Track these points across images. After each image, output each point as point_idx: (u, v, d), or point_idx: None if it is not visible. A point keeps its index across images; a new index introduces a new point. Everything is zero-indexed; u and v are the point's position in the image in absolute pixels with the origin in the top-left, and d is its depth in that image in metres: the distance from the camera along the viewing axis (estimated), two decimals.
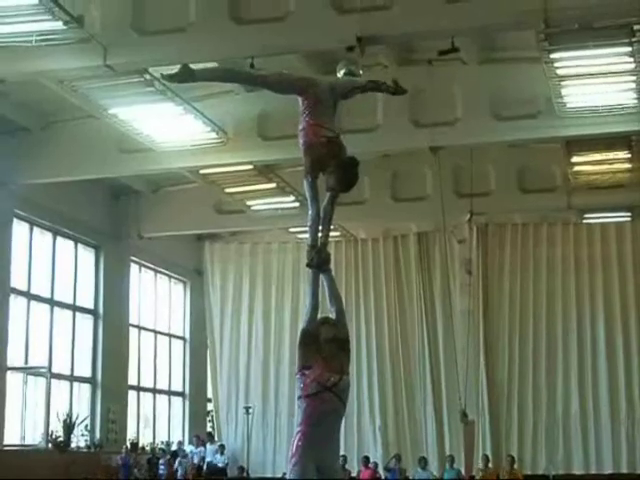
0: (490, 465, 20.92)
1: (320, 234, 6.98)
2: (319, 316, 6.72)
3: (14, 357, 19.97)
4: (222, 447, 23.86)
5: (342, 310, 6.79)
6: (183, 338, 27.31)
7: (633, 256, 22.30)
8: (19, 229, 20.49)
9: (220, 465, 23.43)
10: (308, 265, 6.88)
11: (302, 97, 7.27)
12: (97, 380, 22.69)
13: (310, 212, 6.97)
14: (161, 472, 23.43)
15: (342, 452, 19.60)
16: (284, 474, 20.40)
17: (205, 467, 23.54)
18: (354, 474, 21.41)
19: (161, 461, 23.52)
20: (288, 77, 7.54)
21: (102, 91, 15.91)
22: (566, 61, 14.97)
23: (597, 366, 22.05)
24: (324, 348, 6.53)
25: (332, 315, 6.76)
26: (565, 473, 21.48)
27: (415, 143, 18.27)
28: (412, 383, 23.14)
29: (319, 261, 6.83)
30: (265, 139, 18.28)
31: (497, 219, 23.30)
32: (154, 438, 25.39)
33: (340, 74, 15.58)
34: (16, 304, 20.23)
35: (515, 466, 20.70)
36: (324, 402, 6.39)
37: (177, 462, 23.28)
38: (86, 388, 22.60)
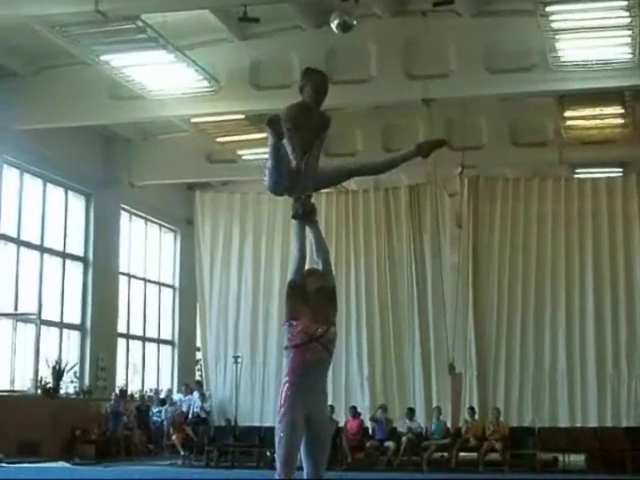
0: (476, 417, 21.08)
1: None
2: (306, 267, 6.75)
3: (4, 303, 20.02)
4: (203, 396, 23.83)
5: (328, 261, 6.81)
6: (173, 287, 27.39)
7: (623, 212, 22.26)
8: (9, 175, 20.43)
9: (202, 414, 23.50)
10: (293, 217, 6.89)
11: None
12: (86, 327, 22.77)
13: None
14: (155, 419, 23.55)
15: (330, 402, 19.72)
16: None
17: (191, 415, 23.62)
18: (341, 424, 21.53)
19: (155, 409, 23.66)
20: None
21: (94, 37, 15.81)
22: (561, 14, 14.92)
23: (585, 321, 22.10)
24: (311, 299, 6.57)
25: (319, 266, 6.79)
26: (550, 426, 21.62)
27: (408, 95, 18.19)
28: (400, 335, 23.18)
29: (304, 212, 6.83)
30: (257, 88, 18.19)
31: (488, 173, 23.24)
32: (143, 386, 25.53)
33: (334, 25, 15.53)
34: (6, 250, 20.24)
35: (501, 418, 20.87)
36: (311, 352, 6.41)
37: (164, 410, 23.37)
38: (75, 335, 22.68)
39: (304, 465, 6.46)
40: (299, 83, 6.93)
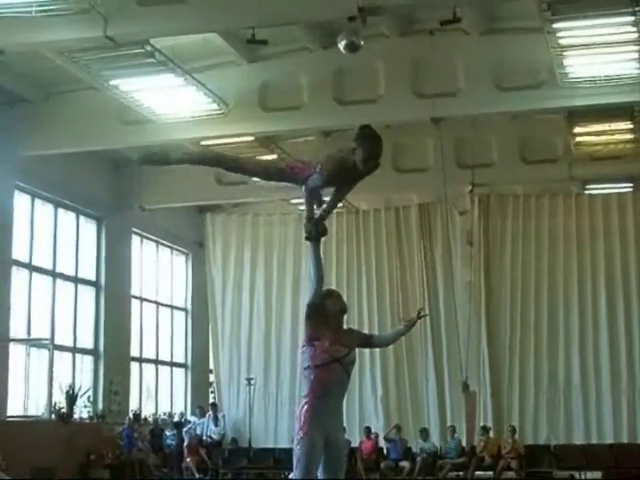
0: (491, 435, 21.00)
1: (325, 205, 6.87)
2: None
3: (17, 329, 20.01)
4: (216, 419, 23.78)
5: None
6: (185, 309, 27.35)
7: (635, 227, 22.26)
8: (20, 200, 20.48)
9: (215, 437, 23.44)
10: (307, 238, 6.86)
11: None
12: (99, 351, 22.75)
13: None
14: (169, 442, 23.49)
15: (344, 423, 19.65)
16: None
17: (205, 438, 23.58)
18: (355, 444, 21.47)
19: (168, 433, 23.60)
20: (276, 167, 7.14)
21: (103, 62, 15.85)
22: (569, 31, 14.90)
23: (598, 337, 22.07)
24: (331, 321, 6.58)
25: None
26: (566, 443, 21.55)
27: (417, 114, 18.19)
28: (414, 354, 23.16)
29: (317, 233, 6.79)
30: (266, 110, 18.21)
31: (499, 190, 23.26)
32: (156, 409, 25.49)
33: (341, 45, 15.54)
34: (18, 276, 20.25)
35: (516, 436, 20.79)
36: (332, 373, 6.45)
37: (183, 432, 23.34)
38: (88, 359, 22.65)
39: None
40: (352, 143, 6.48)
